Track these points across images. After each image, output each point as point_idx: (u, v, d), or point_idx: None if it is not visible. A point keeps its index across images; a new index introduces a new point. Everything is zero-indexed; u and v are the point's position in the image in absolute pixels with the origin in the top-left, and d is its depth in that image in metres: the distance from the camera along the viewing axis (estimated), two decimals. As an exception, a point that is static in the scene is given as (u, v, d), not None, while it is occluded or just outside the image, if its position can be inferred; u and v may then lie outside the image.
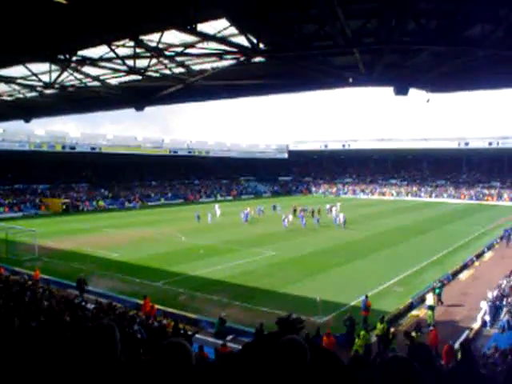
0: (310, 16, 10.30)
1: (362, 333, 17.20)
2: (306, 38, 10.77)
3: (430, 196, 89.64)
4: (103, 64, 14.02)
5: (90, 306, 19.91)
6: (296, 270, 29.23)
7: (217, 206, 58.94)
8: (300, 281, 26.47)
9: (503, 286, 24.00)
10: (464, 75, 13.36)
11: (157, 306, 20.67)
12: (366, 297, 20.76)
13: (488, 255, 35.57)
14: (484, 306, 21.28)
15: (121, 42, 12.41)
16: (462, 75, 13.35)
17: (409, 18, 9.74)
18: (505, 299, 21.62)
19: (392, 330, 18.24)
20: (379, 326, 18.00)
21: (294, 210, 56.69)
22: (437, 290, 22.59)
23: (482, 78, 13.58)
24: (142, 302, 20.88)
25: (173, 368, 2.41)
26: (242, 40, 11.39)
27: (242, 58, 12.60)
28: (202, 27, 10.63)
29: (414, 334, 17.31)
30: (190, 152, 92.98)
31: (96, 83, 16.67)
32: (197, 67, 14.60)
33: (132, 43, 12.33)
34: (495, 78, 13.78)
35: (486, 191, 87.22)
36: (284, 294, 23.59)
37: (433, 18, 10.04)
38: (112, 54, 12.83)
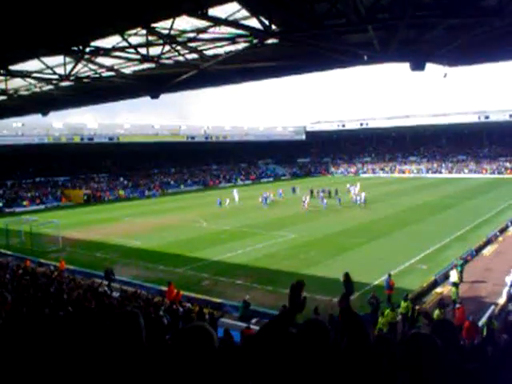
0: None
1: (387, 311, 17.20)
2: (318, 17, 10.62)
3: (451, 172, 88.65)
4: (116, 54, 14.03)
5: (116, 294, 20.23)
6: (317, 251, 29.24)
7: (235, 190, 59.02)
8: (322, 262, 26.49)
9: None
10: (481, 47, 13.08)
11: (181, 292, 20.87)
12: (389, 275, 20.70)
13: (512, 229, 35.17)
14: (509, 280, 21.08)
15: (133, 31, 12.38)
16: (479, 47, 13.07)
17: (423, -10, 9.56)
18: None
19: (417, 307, 18.20)
20: (403, 304, 17.98)
21: (311, 192, 56.66)
22: (459, 268, 22.41)
23: (500, 49, 13.29)
24: (166, 288, 21.11)
25: (195, 351, 2.42)
26: (254, 22, 11.27)
27: (254, 41, 12.50)
28: (213, 11, 10.55)
29: (437, 311, 17.28)
30: (207, 138, 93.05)
31: (110, 73, 16.70)
32: (210, 52, 14.52)
33: (144, 31, 12.30)
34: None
35: (508, 165, 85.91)
36: (307, 276, 23.58)
37: (448, -10, 9.83)
38: (125, 43, 12.82)
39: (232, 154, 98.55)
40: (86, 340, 3.53)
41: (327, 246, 30.40)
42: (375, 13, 10.25)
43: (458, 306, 18.14)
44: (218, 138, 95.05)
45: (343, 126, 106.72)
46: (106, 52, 13.75)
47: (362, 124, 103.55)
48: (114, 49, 13.43)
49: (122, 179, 76.17)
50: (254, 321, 18.41)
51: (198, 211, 49.31)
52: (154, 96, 18.47)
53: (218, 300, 20.97)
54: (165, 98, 19.99)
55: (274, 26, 11.30)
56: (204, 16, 10.19)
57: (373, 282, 22.38)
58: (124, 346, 2.74)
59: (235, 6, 10.59)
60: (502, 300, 20.43)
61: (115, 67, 16.09)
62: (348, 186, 61.05)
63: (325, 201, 48.82)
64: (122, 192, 70.94)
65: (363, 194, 49.44)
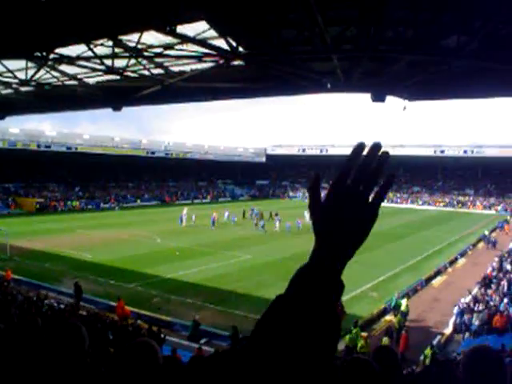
0: (290, 21, 10.36)
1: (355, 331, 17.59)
2: (285, 42, 10.83)
3: (406, 202, 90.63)
4: (81, 63, 13.90)
5: (61, 306, 19.71)
6: (271, 273, 29.20)
7: (186, 209, 56.31)
8: (274, 284, 26.43)
9: (475, 292, 24.36)
10: (440, 84, 13.54)
11: (130, 308, 20.49)
12: (340, 301, 20.88)
13: (461, 262, 36.14)
14: (456, 311, 21.59)
15: (99, 42, 12.31)
16: (438, 84, 13.53)
17: (387, 26, 9.87)
18: (476, 305, 21.95)
19: (364, 334, 18.40)
20: (353, 330, 18.16)
21: (244, 213, 57.71)
22: (395, 301, 22.60)
23: (457, 87, 13.79)
24: (115, 303, 20.69)
25: (139, 366, 2.41)
26: (221, 43, 11.40)
27: (221, 61, 12.61)
28: (182, 29, 10.61)
29: (386, 338, 17.54)
30: (167, 154, 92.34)
31: (73, 82, 16.50)
32: (176, 68, 14.56)
33: (111, 43, 12.25)
34: (470, 88, 14.00)
35: (460, 198, 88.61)
36: (258, 298, 23.55)
37: (410, 28, 10.18)
38: (90, 53, 12.72)
39: (191, 172, 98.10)
40: (25, 353, 3.42)
41: (280, 269, 30.36)
42: (340, 43, 10.52)
43: (402, 332, 18.47)
44: (178, 154, 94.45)
45: (303, 150, 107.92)
46: (70, 60, 13.59)
47: (321, 150, 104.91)
48: (79, 58, 13.31)
49: (77, 190, 74.64)
50: (203, 341, 18.21)
51: (153, 227, 48.65)
52: (116, 108, 18.31)
53: (168, 318, 20.67)
54: (127, 111, 19.86)
55: (241, 48, 11.44)
56: (172, 33, 10.24)
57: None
58: (63, 358, 2.69)
59: (204, 25, 10.68)
60: (448, 330, 20.89)
61: (79, 76, 15.91)
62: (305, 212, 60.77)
63: (288, 223, 48.53)
64: (76, 203, 69.40)
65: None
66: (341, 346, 18.27)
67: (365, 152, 1.09)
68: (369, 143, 1.13)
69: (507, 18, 9.35)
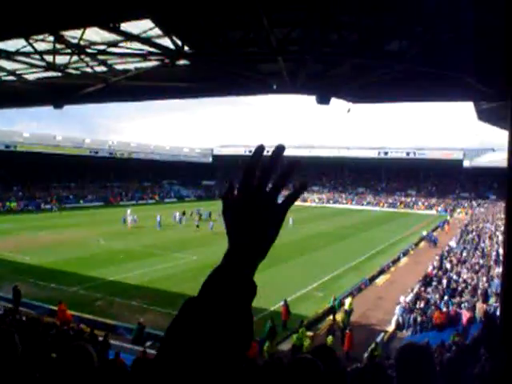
0: (236, 22, 10.33)
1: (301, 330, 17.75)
2: (231, 43, 10.78)
3: (351, 203, 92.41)
4: (20, 58, 13.38)
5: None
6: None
7: (129, 210, 55.33)
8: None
9: (416, 290, 25.06)
10: (383, 88, 13.83)
11: (72, 312, 19.93)
12: (285, 301, 21.06)
13: (403, 261, 37.14)
14: (398, 309, 22.15)
15: (40, 37, 11.88)
16: (381, 87, 13.81)
17: (332, 29, 9.97)
18: (417, 303, 22.57)
19: (310, 333, 18.60)
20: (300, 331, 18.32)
21: (183, 213, 56.66)
22: (334, 302, 22.93)
23: (400, 91, 14.12)
24: (56, 307, 20.06)
25: (72, 371, 2.39)
26: (166, 42, 11.23)
27: (166, 60, 12.43)
28: (126, 26, 10.39)
29: (330, 337, 17.79)
30: (111, 153, 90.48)
31: (12, 77, 15.87)
32: (120, 67, 14.24)
33: (52, 38, 11.84)
34: (412, 92, 14.37)
35: (403, 199, 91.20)
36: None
37: (354, 31, 10.34)
38: (30, 48, 12.25)
39: (136, 172, 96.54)
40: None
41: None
42: (286, 45, 10.55)
43: (346, 331, 18.79)
44: (122, 154, 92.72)
45: (250, 151, 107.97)
46: (9, 55, 13.06)
47: (268, 151, 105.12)
48: (18, 53, 12.80)
49: (16, 190, 72.08)
50: (148, 344, 17.90)
51: (96, 228, 47.58)
52: (57, 106, 17.73)
53: (112, 322, 20.22)
54: (73, 110, 19.33)
55: (186, 48, 11.30)
56: (116, 30, 10.01)
57: (270, 307, 22.61)
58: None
59: (149, 23, 10.49)
60: (390, 328, 21.40)
61: (18, 72, 15.31)
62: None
63: (211, 223, 48.42)
64: (14, 204, 66.97)
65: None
66: (288, 345, 18.43)
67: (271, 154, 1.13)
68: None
69: (446, 25, 9.63)
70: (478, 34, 10.14)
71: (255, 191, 1.07)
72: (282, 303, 21.25)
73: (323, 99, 12.63)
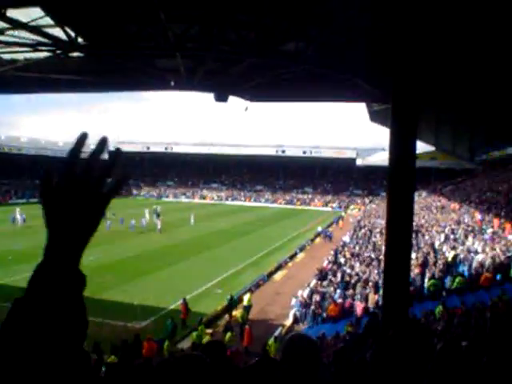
0: (132, 15, 10.10)
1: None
2: (128, 37, 10.53)
3: (249, 200, 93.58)
4: None
5: None
6: (114, 275, 28.28)
7: (18, 209, 51.92)
8: (118, 286, 25.70)
9: (312, 284, 25.87)
10: (280, 87, 14.15)
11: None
12: (184, 299, 20.96)
13: (300, 256, 38.21)
14: (294, 303, 22.78)
15: None
16: (278, 87, 14.13)
17: (229, 27, 10.04)
18: (313, 297, 23.30)
19: (209, 331, 18.65)
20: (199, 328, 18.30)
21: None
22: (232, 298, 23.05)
23: (296, 91, 14.52)
24: None
25: None
26: (59, 32, 10.74)
27: (58, 51, 11.88)
28: (14, 13, 9.80)
29: (229, 333, 17.93)
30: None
31: None
32: (7, 56, 13.43)
33: None
34: (307, 92, 14.83)
35: (299, 196, 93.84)
36: (101, 301, 22.49)
37: (252, 31, 10.48)
38: None
39: (27, 169, 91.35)
40: None
41: (124, 270, 29.64)
42: (184, 41, 10.49)
43: (246, 326, 19.04)
44: (10, 149, 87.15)
45: (148, 148, 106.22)
46: None
47: (166, 148, 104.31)
48: None
49: None
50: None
51: (-18, 229, 44.59)
52: None
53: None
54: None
55: (80, 39, 10.90)
56: (1, 16, 9.41)
57: (169, 306, 22.39)
58: None
59: (39, 11, 9.97)
60: (288, 322, 21.96)
61: None
62: (146, 210, 58.22)
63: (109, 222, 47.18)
64: None
65: (159, 220, 48.82)
66: (188, 343, 18.33)
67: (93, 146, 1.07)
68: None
69: (339, 29, 10.04)
70: (368, 39, 10.68)
71: (78, 179, 1.03)
72: (181, 301, 21.09)
73: (221, 97, 12.71)
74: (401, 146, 9.35)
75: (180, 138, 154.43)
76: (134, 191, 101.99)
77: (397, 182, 9.32)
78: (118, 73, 14.02)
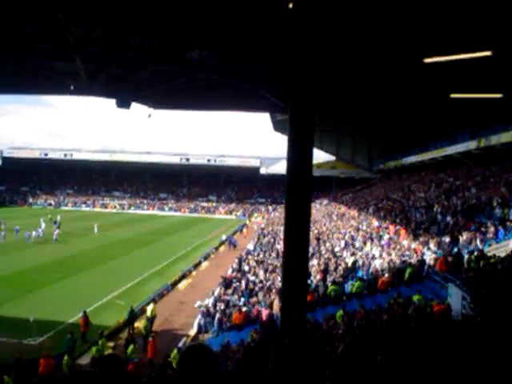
0: (29, 13, 9.63)
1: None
2: (24, 36, 10.03)
3: (153, 209, 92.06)
4: None
5: None
6: (6, 288, 26.64)
7: None
8: (11, 301, 24.21)
9: (217, 292, 25.87)
10: (184, 95, 14.11)
11: None
12: (85, 312, 20.19)
13: (204, 264, 38.15)
14: (199, 313, 22.67)
15: None
16: (182, 95, 14.07)
17: (132, 33, 9.87)
18: (218, 305, 23.31)
19: (111, 344, 18.10)
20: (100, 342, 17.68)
21: None
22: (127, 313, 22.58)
23: (200, 99, 14.54)
24: None
25: None
26: None
27: None
28: None
29: (131, 346, 17.50)
30: None
31: None
32: None
33: None
34: (213, 101, 14.90)
35: (204, 204, 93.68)
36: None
37: (156, 37, 10.37)
38: None
39: None
40: None
41: (18, 283, 28.00)
42: (85, 45, 10.17)
43: (150, 338, 18.68)
44: None
45: (46, 154, 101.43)
46: None
47: (66, 155, 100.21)
48: None
49: None
50: None
51: None
52: None
53: None
54: None
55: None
56: None
57: (68, 319, 21.47)
58: None
59: None
60: (193, 331, 21.79)
61: None
62: (42, 219, 55.31)
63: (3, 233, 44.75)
64: None
65: (56, 231, 46.78)
66: (87, 358, 17.65)
67: None
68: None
69: (243, 40, 10.17)
70: (270, 51, 10.93)
71: None
72: (81, 314, 20.26)
73: (123, 103, 12.43)
74: (298, 155, 9.60)
75: (81, 145, 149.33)
76: (31, 199, 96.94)
77: (294, 190, 9.55)
78: (13, 75, 13.31)
